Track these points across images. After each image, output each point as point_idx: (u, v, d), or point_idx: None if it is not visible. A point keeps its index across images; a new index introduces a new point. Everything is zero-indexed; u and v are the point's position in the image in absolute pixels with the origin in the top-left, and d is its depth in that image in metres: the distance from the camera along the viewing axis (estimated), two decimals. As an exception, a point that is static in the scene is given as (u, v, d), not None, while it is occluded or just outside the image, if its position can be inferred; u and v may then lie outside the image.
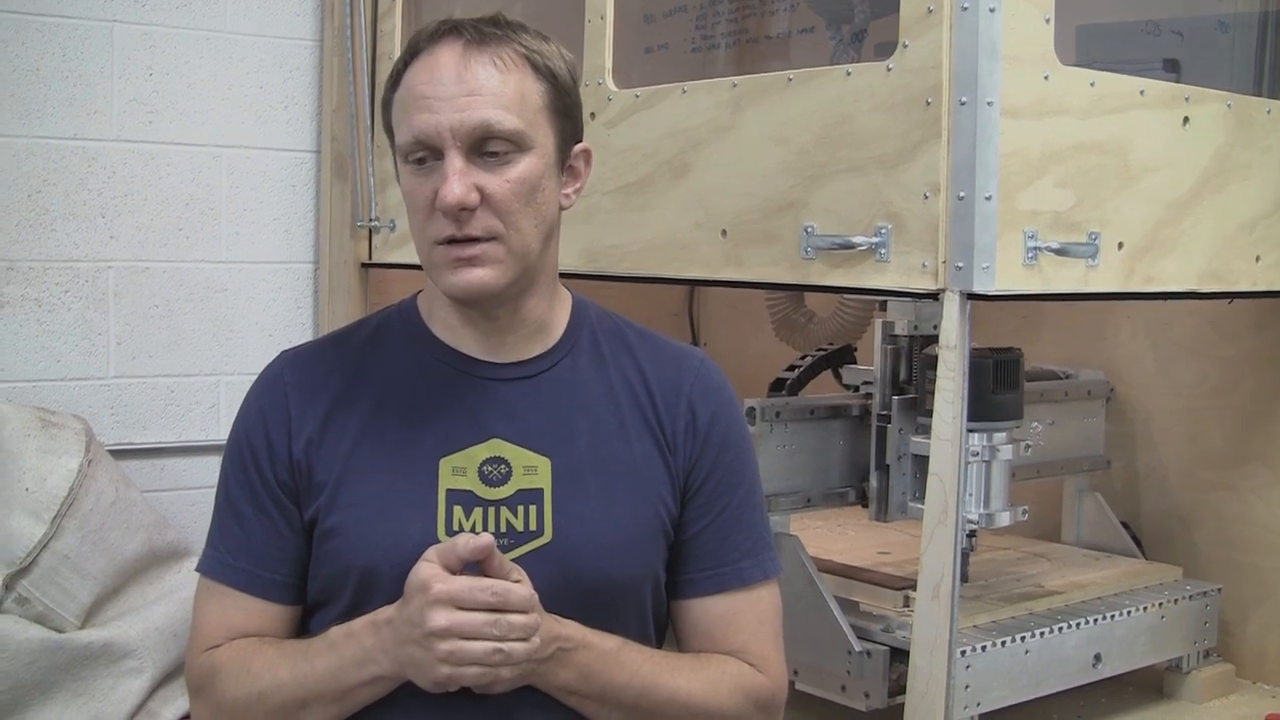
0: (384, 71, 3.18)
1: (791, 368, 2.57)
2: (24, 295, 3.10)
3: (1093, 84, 2.11)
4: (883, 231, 2.07)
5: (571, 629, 1.74)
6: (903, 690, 2.08)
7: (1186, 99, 2.24)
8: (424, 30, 1.84)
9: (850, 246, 2.11)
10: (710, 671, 1.85)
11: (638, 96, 2.52)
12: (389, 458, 1.83)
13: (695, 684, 1.82)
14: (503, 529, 1.79)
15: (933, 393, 2.03)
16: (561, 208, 1.88)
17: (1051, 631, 2.27)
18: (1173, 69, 2.48)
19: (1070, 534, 2.78)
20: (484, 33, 1.80)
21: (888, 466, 2.30)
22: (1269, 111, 2.38)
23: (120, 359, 3.21)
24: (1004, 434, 2.22)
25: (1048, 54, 2.04)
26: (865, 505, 2.38)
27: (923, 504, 2.05)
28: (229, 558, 1.85)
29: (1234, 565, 2.64)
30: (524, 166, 1.78)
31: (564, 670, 1.73)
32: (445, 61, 1.78)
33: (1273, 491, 2.60)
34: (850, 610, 2.26)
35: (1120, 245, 2.15)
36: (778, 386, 2.54)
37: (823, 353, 2.61)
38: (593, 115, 2.57)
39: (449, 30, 1.81)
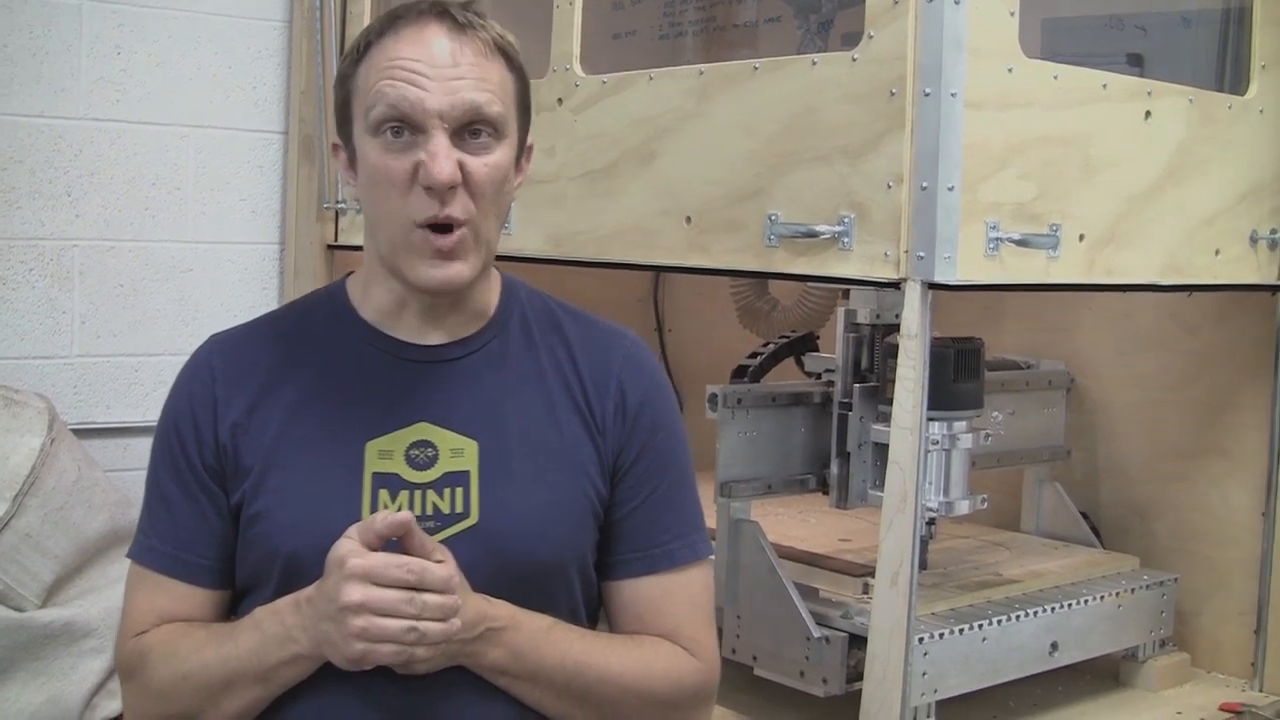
0: (352, 54, 3.17)
1: (754, 355, 2.58)
2: (-12, 273, 3.10)
3: (1056, 77, 2.12)
4: (846, 220, 2.08)
5: (501, 609, 1.74)
6: (861, 676, 2.10)
7: (1149, 93, 2.26)
8: (406, 6, 1.82)
9: (814, 235, 2.12)
10: (643, 652, 1.85)
11: (605, 83, 2.52)
12: (315, 442, 1.82)
13: (627, 664, 1.83)
14: (429, 511, 1.79)
15: (894, 381, 2.04)
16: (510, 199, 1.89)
17: (1009, 620, 2.29)
18: (1136, 63, 2.49)
19: (1029, 523, 2.80)
20: (468, 19, 1.79)
21: (849, 454, 2.31)
22: (1230, 107, 2.40)
23: (84, 338, 3.21)
24: (964, 423, 2.23)
25: (1012, 47, 2.05)
26: (826, 492, 2.39)
27: (883, 492, 2.07)
28: (156, 543, 1.85)
29: (1190, 556, 2.66)
30: (500, 154, 1.78)
31: (494, 650, 1.73)
32: (436, 40, 1.76)
33: (1229, 483, 2.62)
34: (810, 596, 2.27)
35: (1081, 237, 2.16)
36: (740, 373, 2.55)
37: (785, 340, 2.62)
38: (560, 101, 2.58)
39: (436, 10, 1.80)
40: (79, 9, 3.15)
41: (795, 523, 2.78)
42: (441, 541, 1.74)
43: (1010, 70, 2.05)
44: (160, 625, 1.83)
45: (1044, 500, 2.78)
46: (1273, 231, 2.46)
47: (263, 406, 1.84)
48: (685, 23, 3.33)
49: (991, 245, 2.04)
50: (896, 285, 2.03)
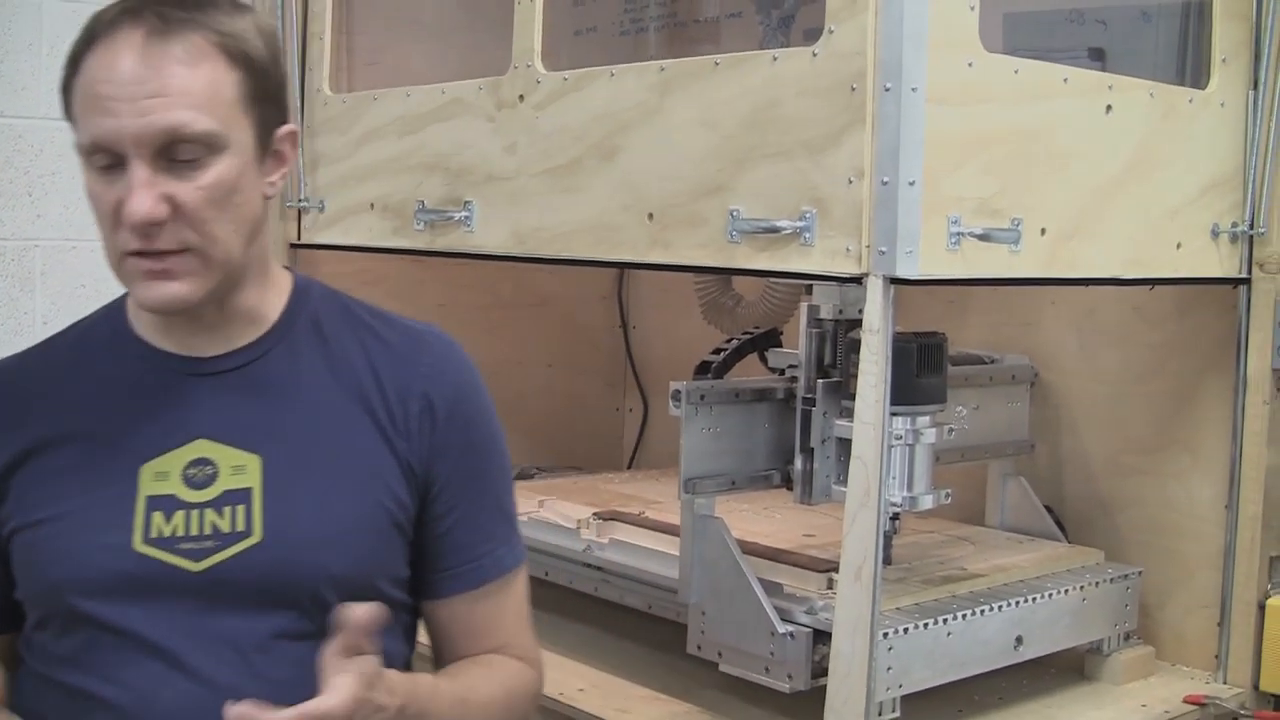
0: (314, 52, 3.17)
1: (717, 350, 2.57)
2: (-52, 273, 3.09)
3: (1017, 71, 2.12)
4: (807, 216, 2.08)
5: (397, 684, 1.63)
6: (826, 672, 2.09)
7: (1110, 87, 2.26)
8: (104, 11, 1.67)
9: (775, 230, 2.12)
10: (501, 676, 1.85)
11: (566, 79, 2.51)
12: (89, 470, 1.73)
13: (497, 694, 1.82)
14: (207, 531, 1.70)
15: (856, 376, 2.04)
16: (266, 197, 1.76)
17: (974, 614, 2.29)
18: (1097, 58, 2.50)
19: (994, 517, 2.80)
20: (168, 18, 1.63)
21: (812, 450, 2.30)
22: (1191, 100, 2.41)
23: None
24: (927, 418, 2.23)
25: (973, 41, 2.05)
26: (790, 488, 2.38)
27: (846, 487, 2.07)
28: None
29: (1154, 549, 2.66)
30: (219, 170, 1.65)
31: None
32: (124, 55, 1.61)
33: (1193, 477, 2.62)
34: (774, 592, 2.27)
35: (1043, 231, 2.16)
36: (703, 369, 2.54)
37: (749, 336, 2.61)
38: (521, 98, 2.57)
39: (128, 15, 1.64)
40: (39, 6, 3.14)
41: (759, 519, 2.78)
42: (223, 562, 1.68)
43: (971, 65, 2.05)
44: None
45: (1008, 494, 2.78)
46: (1234, 225, 2.46)
47: (36, 438, 1.76)
48: (646, 18, 3.34)
49: (953, 239, 2.04)
50: (858, 280, 2.03)
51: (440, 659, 1.91)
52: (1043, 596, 2.40)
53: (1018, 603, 2.35)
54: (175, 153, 1.62)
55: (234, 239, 1.69)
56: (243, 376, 1.78)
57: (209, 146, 1.64)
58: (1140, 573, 2.58)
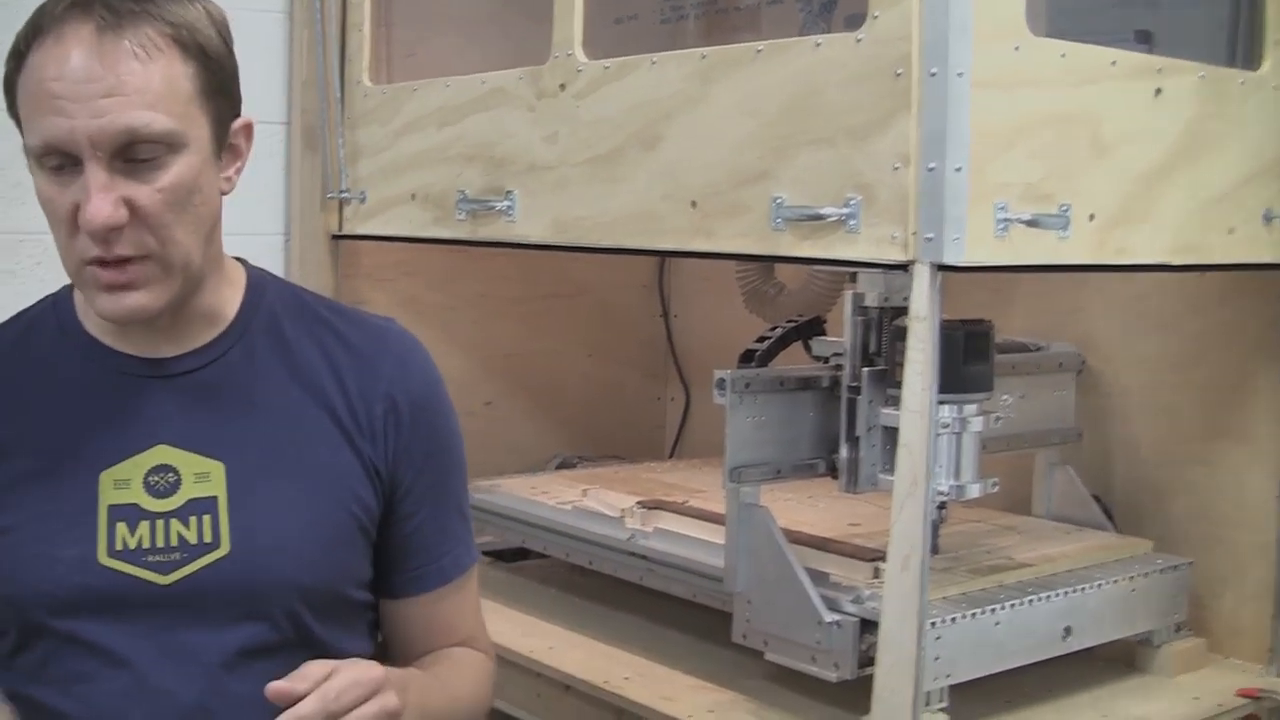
0: (353, 43, 3.17)
1: (761, 339, 2.56)
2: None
3: (1064, 55, 2.09)
4: (852, 203, 2.06)
5: (392, 676, 1.62)
6: (872, 661, 2.07)
7: (1158, 70, 2.23)
8: (49, 3, 1.59)
9: (820, 218, 2.10)
10: (473, 671, 1.85)
11: (607, 68, 2.50)
12: (43, 478, 1.67)
13: (472, 689, 1.82)
14: (174, 543, 1.65)
15: (902, 364, 2.02)
16: (222, 193, 1.72)
17: (1022, 604, 2.26)
18: (1145, 40, 2.47)
19: (1041, 507, 2.77)
20: (118, 10, 1.56)
21: (858, 438, 2.28)
22: (1242, 83, 2.37)
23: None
24: (974, 406, 2.21)
25: (1018, 25, 2.02)
26: (835, 477, 2.36)
27: (893, 475, 2.05)
28: None
29: (1207, 539, 2.63)
30: (177, 170, 1.59)
31: None
32: (75, 53, 1.53)
33: (1245, 466, 2.59)
34: (820, 581, 2.25)
35: (1091, 217, 2.14)
36: (747, 358, 2.52)
37: (793, 324, 2.59)
38: (562, 87, 2.56)
39: (76, 8, 1.56)
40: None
41: (803, 507, 2.76)
42: (190, 575, 1.64)
43: (1017, 49, 2.02)
44: None
45: (1055, 483, 2.75)
46: (1287, 209, 2.44)
47: None
48: (687, 6, 3.32)
49: (1000, 226, 2.01)
50: (905, 267, 2.01)
51: (397, 655, 1.88)
52: (1091, 587, 2.37)
53: (1066, 593, 2.33)
54: (133, 153, 1.56)
55: (193, 241, 1.64)
56: (201, 378, 1.73)
57: (169, 146, 1.58)
58: (1191, 563, 2.55)
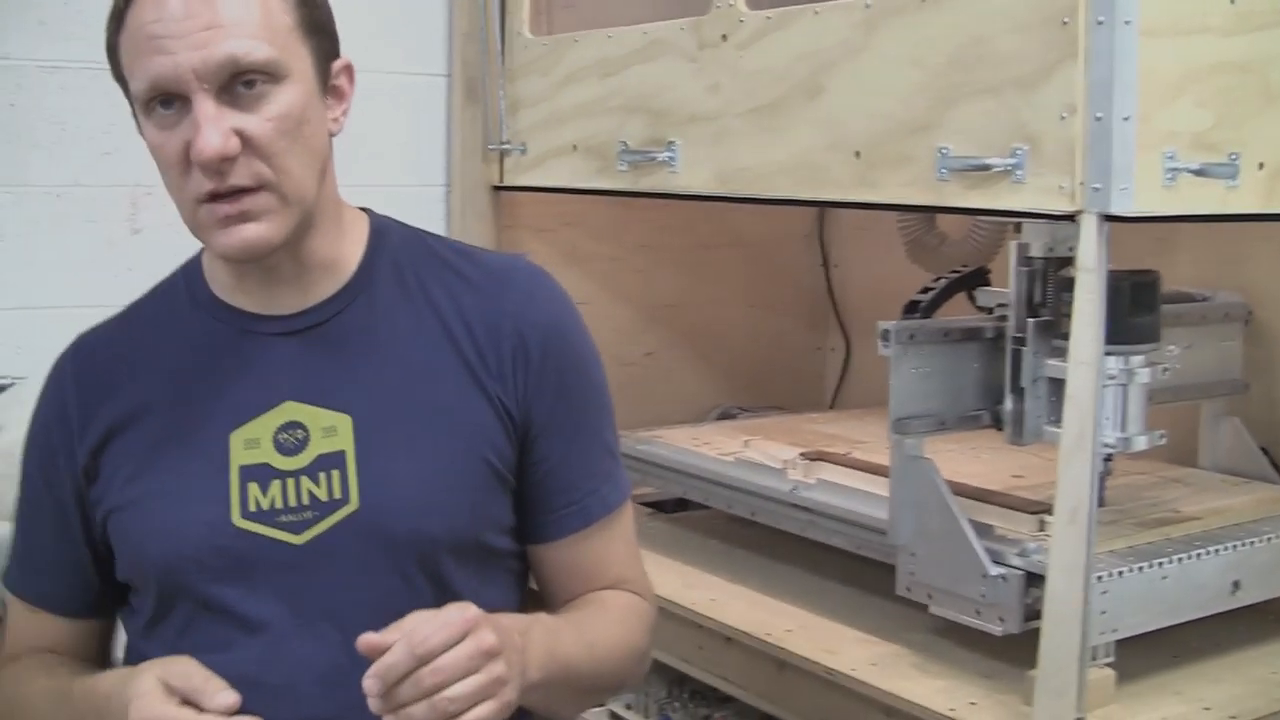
0: (513, -4, 3.19)
1: (925, 290, 2.54)
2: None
3: (1233, 2, 2.06)
4: (1019, 153, 2.05)
5: (501, 623, 1.55)
6: (1038, 615, 2.06)
7: (1333, 14, 2.19)
8: None
9: (986, 168, 2.09)
10: (620, 614, 1.81)
11: (769, 18, 2.49)
12: (179, 441, 1.69)
13: (618, 632, 1.79)
14: (305, 501, 1.66)
15: (1068, 315, 2.00)
16: (331, 134, 1.71)
17: (1189, 557, 2.23)
18: (1319, -17, 2.42)
19: (1207, 459, 2.73)
20: None
21: (1022, 390, 2.27)
22: None
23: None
24: (1141, 357, 2.18)
25: (1188, -30, 2.00)
26: (999, 428, 2.35)
27: (1058, 427, 2.04)
28: (28, 572, 1.80)
29: (1379, 492, 2.59)
30: (285, 99, 1.59)
31: (532, 670, 1.60)
32: None
33: None
34: (985, 534, 2.24)
35: (1261, 166, 2.10)
36: (911, 309, 2.51)
37: (957, 275, 2.58)
38: (724, 37, 2.56)
39: None
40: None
41: (968, 459, 2.75)
42: (323, 533, 1.65)
43: (1185, -5, 2.00)
44: (29, 654, 1.77)
45: (1222, 436, 2.71)
46: None
47: (124, 412, 1.73)
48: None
49: (1169, 175, 1.99)
50: (1071, 218, 1.99)
51: (549, 601, 1.87)
52: (1260, 540, 2.33)
53: (1235, 546, 2.30)
54: (238, 84, 1.57)
55: (307, 173, 1.64)
56: (325, 332, 1.73)
57: (271, 75, 1.58)
58: (1364, 516, 2.51)
